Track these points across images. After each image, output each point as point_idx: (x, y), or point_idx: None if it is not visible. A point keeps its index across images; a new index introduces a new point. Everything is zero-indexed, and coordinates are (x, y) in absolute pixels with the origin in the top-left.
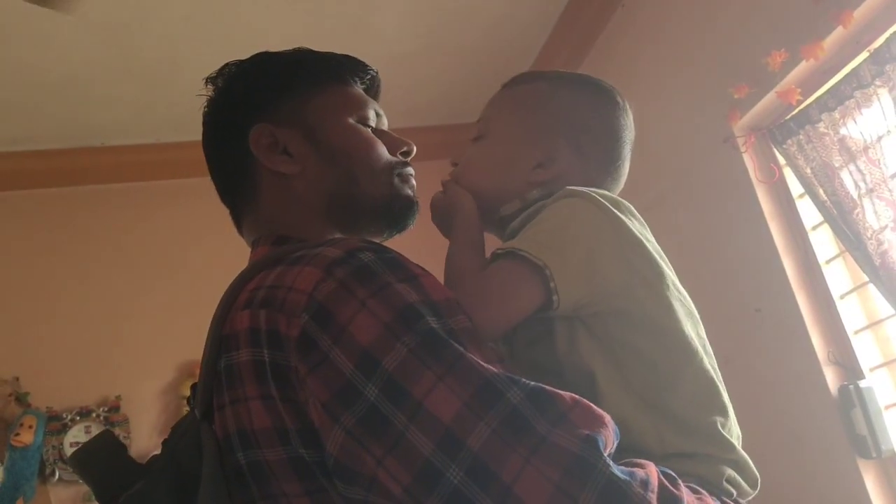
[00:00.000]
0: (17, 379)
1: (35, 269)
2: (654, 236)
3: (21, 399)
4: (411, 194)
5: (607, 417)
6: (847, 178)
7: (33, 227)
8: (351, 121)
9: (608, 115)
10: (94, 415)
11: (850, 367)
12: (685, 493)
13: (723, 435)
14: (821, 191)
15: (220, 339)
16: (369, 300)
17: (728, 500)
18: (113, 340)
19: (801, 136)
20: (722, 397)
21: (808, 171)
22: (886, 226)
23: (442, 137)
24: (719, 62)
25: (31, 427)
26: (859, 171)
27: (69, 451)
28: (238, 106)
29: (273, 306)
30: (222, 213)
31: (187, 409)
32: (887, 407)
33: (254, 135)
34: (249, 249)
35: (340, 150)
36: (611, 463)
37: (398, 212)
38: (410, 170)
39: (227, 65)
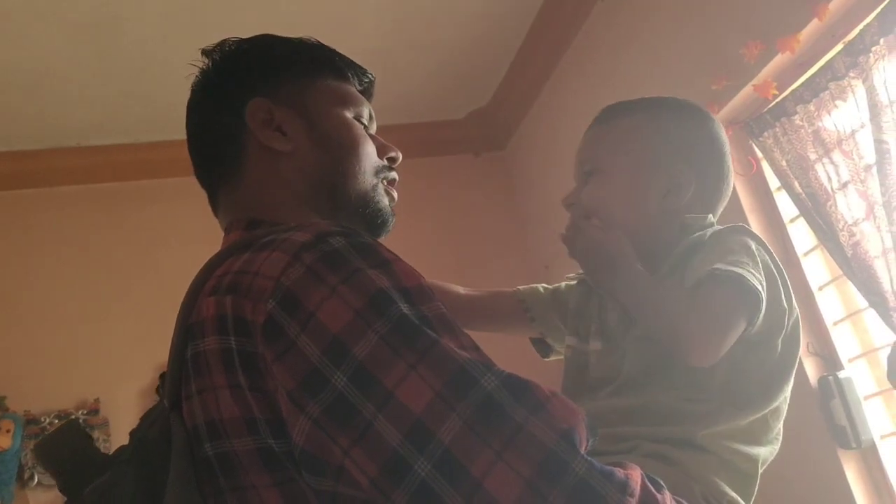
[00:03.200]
0: None
1: (8, 272)
2: None
3: None
4: (388, 205)
5: (581, 412)
6: (821, 170)
7: (6, 228)
8: (348, 114)
9: (711, 132)
10: (72, 418)
11: (829, 359)
12: (669, 501)
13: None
14: (796, 183)
15: (188, 327)
16: (339, 286)
17: None
18: (90, 342)
19: (777, 129)
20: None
21: (784, 163)
22: (859, 218)
23: (419, 134)
24: (697, 55)
25: (8, 431)
26: (833, 163)
27: None
28: (238, 76)
29: (239, 292)
30: (198, 213)
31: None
32: (867, 397)
33: (252, 106)
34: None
35: (334, 139)
36: (588, 460)
37: (372, 218)
38: (395, 175)
39: (226, 40)
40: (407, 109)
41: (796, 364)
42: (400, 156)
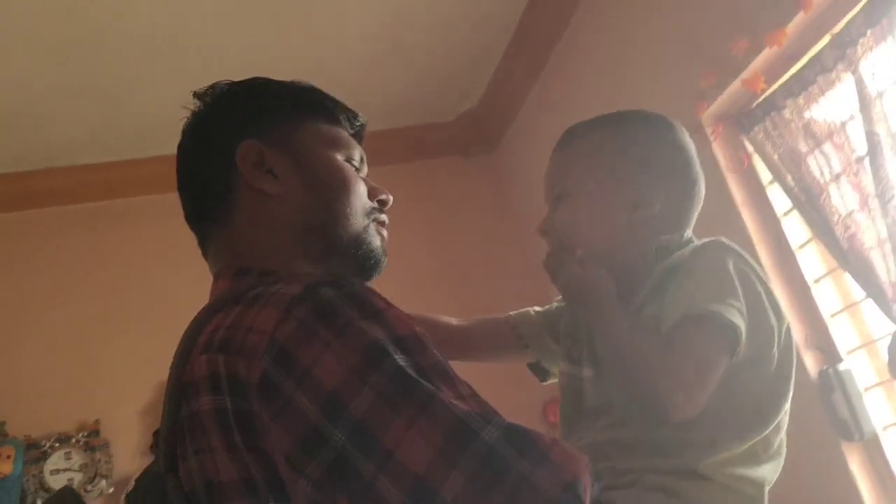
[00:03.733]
0: None
1: (2, 296)
2: None
3: None
4: (380, 246)
5: (585, 460)
6: (813, 163)
7: None
8: (339, 157)
9: (674, 140)
10: (73, 440)
11: (828, 351)
12: None
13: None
14: (789, 177)
15: (181, 386)
16: (333, 340)
17: None
18: (88, 364)
19: (767, 124)
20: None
21: (776, 157)
22: (853, 210)
23: (409, 138)
24: (685, 52)
25: (9, 457)
26: (825, 156)
27: (50, 479)
28: (229, 119)
29: (232, 350)
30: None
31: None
32: (867, 389)
33: (242, 149)
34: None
35: (325, 182)
36: None
37: (364, 260)
38: (385, 218)
39: (217, 83)
40: (396, 113)
41: (793, 376)
42: (391, 198)
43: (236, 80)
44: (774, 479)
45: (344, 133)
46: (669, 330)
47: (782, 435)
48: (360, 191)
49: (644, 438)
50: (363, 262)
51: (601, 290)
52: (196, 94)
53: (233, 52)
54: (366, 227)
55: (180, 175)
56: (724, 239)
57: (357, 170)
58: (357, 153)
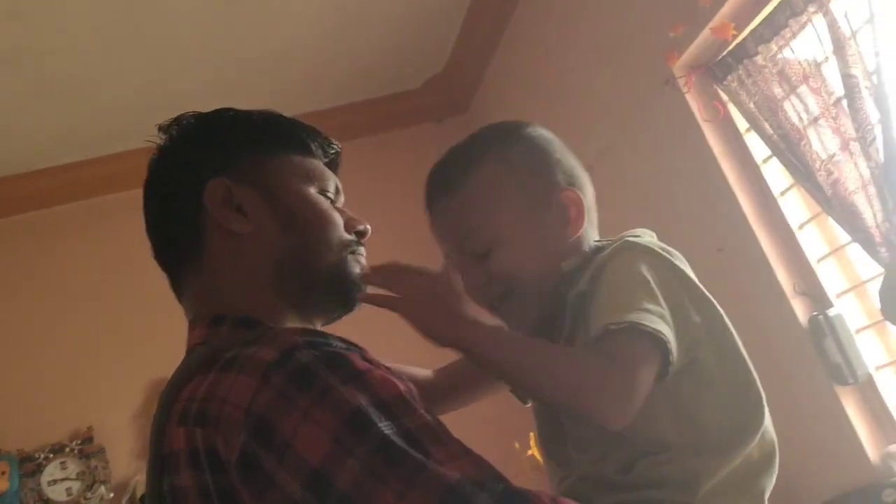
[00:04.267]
0: None
1: None
2: (607, 186)
3: None
4: (358, 274)
5: None
6: (790, 108)
7: None
8: (312, 190)
9: (543, 136)
10: (67, 450)
11: (817, 297)
12: None
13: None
14: (766, 125)
15: (161, 457)
16: (313, 409)
17: None
18: (76, 371)
19: (740, 71)
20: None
21: (752, 105)
22: (834, 154)
23: (379, 109)
24: (652, 4)
25: (3, 473)
26: (801, 100)
27: (48, 490)
28: (195, 156)
29: (209, 423)
30: None
31: None
32: (858, 331)
33: (210, 187)
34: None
35: (298, 217)
36: None
37: (343, 294)
38: (363, 251)
39: (183, 115)
40: (363, 86)
41: (753, 374)
42: (369, 229)
43: (197, 105)
44: (773, 482)
45: (317, 163)
46: (591, 343)
47: (768, 436)
48: (337, 223)
49: (623, 476)
50: (344, 296)
51: (457, 312)
52: (161, 128)
53: (193, 41)
54: (343, 260)
55: (147, 214)
56: (632, 238)
57: (332, 201)
58: (332, 184)
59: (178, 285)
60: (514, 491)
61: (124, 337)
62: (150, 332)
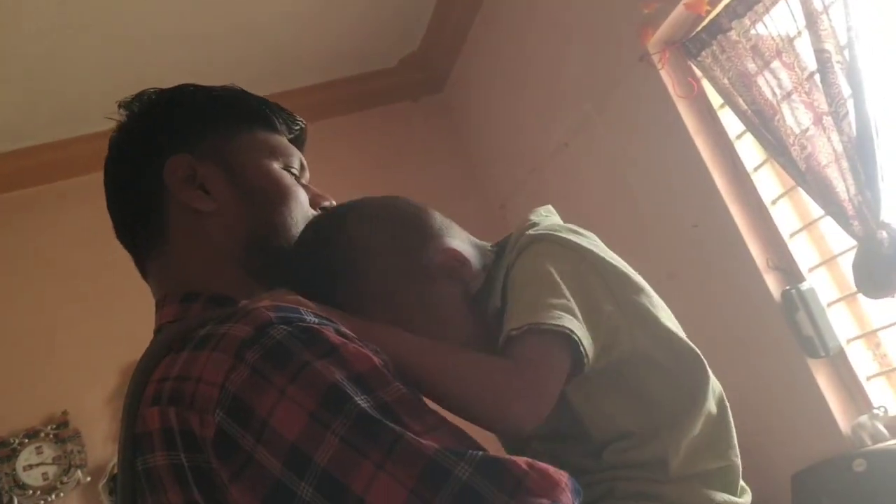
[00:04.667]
0: None
1: None
2: (582, 163)
3: None
4: None
5: (565, 478)
6: (764, 84)
7: None
8: (276, 166)
9: (400, 204)
10: (42, 434)
11: (789, 271)
12: None
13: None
14: (740, 100)
15: (133, 437)
16: (289, 387)
17: None
18: (48, 355)
19: (714, 47)
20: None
21: (726, 81)
22: (808, 129)
23: (354, 88)
24: None
25: None
26: (775, 75)
27: (23, 475)
28: (156, 132)
29: (183, 402)
30: None
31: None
32: (830, 304)
33: (170, 165)
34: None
35: (261, 193)
36: None
37: None
38: None
39: (144, 91)
40: (338, 65)
41: (681, 338)
42: (335, 204)
43: (164, 86)
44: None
45: (281, 139)
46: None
47: (717, 388)
48: (301, 199)
49: (594, 462)
50: None
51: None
52: (121, 105)
53: (161, 19)
54: None
55: (108, 193)
56: (533, 230)
57: (297, 177)
58: (296, 160)
59: (143, 265)
60: (493, 458)
61: (97, 320)
62: (124, 315)
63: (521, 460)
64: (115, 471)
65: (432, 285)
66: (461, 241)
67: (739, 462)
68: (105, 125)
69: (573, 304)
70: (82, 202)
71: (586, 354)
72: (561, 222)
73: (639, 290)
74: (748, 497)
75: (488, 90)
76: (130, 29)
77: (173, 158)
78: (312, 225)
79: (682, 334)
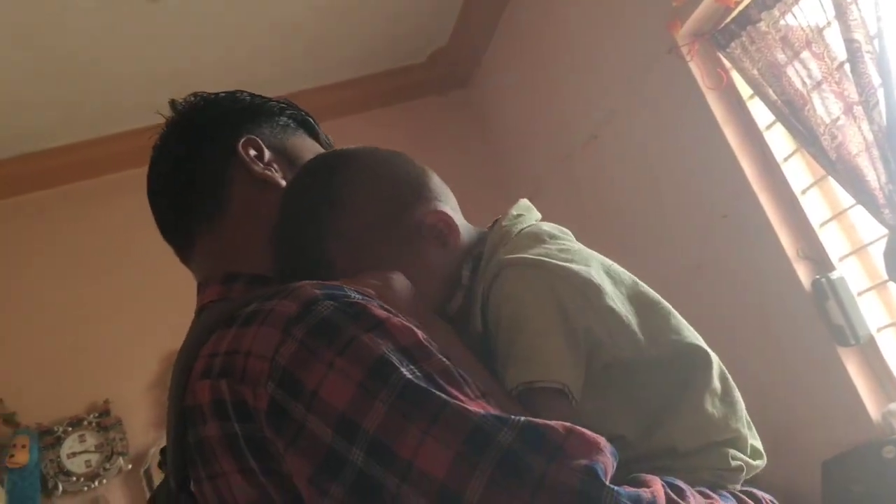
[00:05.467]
0: (1, 401)
1: None
2: (611, 154)
3: (9, 420)
4: None
5: (602, 441)
6: (794, 74)
7: None
8: None
9: (401, 159)
10: (85, 423)
11: (819, 260)
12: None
13: (730, 423)
14: (770, 90)
15: (183, 410)
16: (336, 359)
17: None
18: (91, 344)
19: (743, 38)
20: (729, 381)
21: (755, 72)
22: (838, 118)
23: (383, 83)
24: None
25: (24, 446)
26: (804, 65)
27: (67, 462)
28: (227, 114)
29: (234, 376)
30: None
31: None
32: (860, 293)
33: (245, 142)
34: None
35: None
36: (615, 490)
37: None
38: None
39: (197, 93)
40: (367, 61)
41: (679, 329)
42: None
43: (200, 84)
44: (738, 425)
45: (321, 149)
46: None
47: (717, 366)
48: None
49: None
50: None
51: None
52: (174, 102)
53: (195, 19)
54: None
55: (163, 176)
56: (504, 253)
57: None
58: None
59: (189, 246)
60: (534, 424)
61: (138, 312)
62: (163, 307)
63: (560, 424)
64: (156, 459)
65: (417, 243)
66: (454, 210)
67: (747, 433)
68: (143, 123)
69: (559, 340)
70: (122, 197)
71: (573, 398)
72: (534, 224)
73: (605, 296)
74: (762, 461)
75: (516, 84)
76: (170, 28)
77: (248, 137)
78: (314, 161)
79: (674, 333)
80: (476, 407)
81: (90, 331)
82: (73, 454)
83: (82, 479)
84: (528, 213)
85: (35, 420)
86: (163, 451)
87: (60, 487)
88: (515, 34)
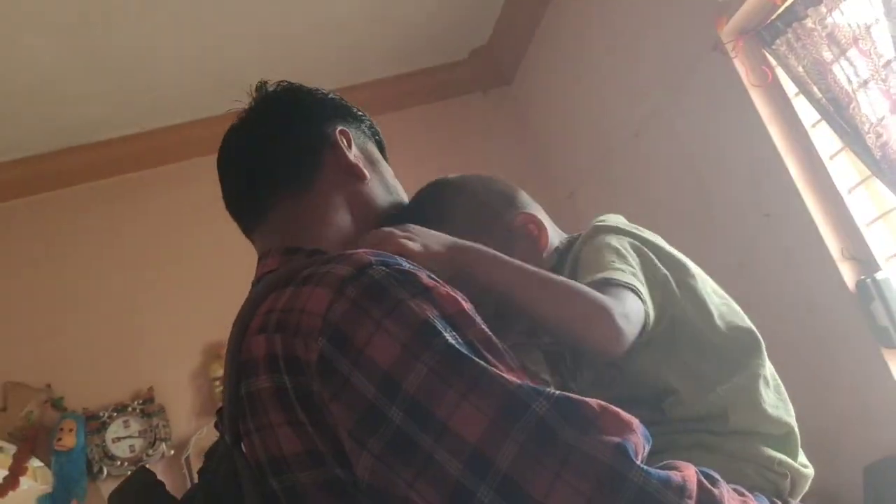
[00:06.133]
0: (49, 386)
1: (45, 276)
2: (655, 152)
3: (56, 404)
4: None
5: (636, 422)
6: (839, 72)
7: (33, 234)
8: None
9: (495, 178)
10: (129, 409)
11: (865, 261)
12: (727, 495)
13: (778, 416)
14: (815, 88)
15: (239, 364)
16: (385, 319)
17: (777, 500)
18: (136, 332)
19: (789, 35)
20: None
21: (801, 69)
22: (884, 117)
23: (425, 80)
24: None
25: (71, 430)
26: (851, 63)
27: (112, 447)
28: (325, 103)
29: (288, 330)
30: (219, 191)
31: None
32: None
33: (341, 131)
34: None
35: (393, 191)
36: (644, 469)
37: None
38: None
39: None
40: (409, 58)
41: (730, 313)
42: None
43: (245, 83)
44: (790, 419)
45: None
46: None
47: (765, 372)
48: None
49: (658, 414)
50: None
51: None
52: (260, 85)
53: (245, 14)
54: None
55: (250, 145)
56: (599, 222)
57: None
58: None
59: (258, 216)
60: (569, 397)
61: (183, 301)
62: (209, 297)
63: (594, 402)
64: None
65: (510, 242)
66: (543, 216)
67: (797, 431)
68: (190, 117)
69: (637, 270)
70: (170, 190)
71: (647, 314)
72: (626, 222)
73: (691, 274)
74: (810, 471)
75: (557, 81)
76: (214, 26)
77: (342, 128)
78: (425, 189)
79: (734, 316)
80: (513, 377)
81: (137, 320)
82: (118, 439)
83: (126, 464)
84: (620, 218)
85: (82, 405)
86: (218, 412)
87: (105, 471)
88: (557, 32)
